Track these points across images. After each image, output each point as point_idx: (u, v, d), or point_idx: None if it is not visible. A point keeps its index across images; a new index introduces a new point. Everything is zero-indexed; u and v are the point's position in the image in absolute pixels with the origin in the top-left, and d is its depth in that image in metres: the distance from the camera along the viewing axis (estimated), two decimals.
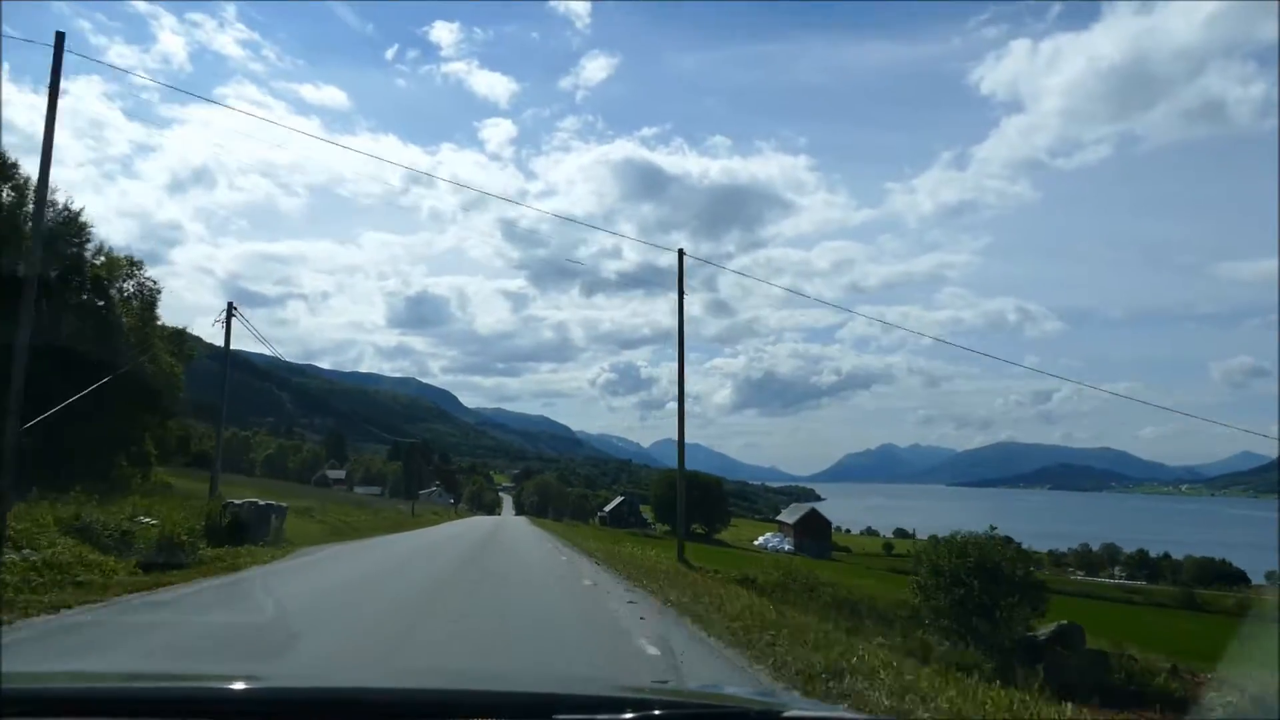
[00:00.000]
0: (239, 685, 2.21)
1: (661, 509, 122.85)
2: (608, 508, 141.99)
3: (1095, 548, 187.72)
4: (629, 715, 2.03)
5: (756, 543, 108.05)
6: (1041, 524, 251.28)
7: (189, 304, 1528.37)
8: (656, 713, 2.06)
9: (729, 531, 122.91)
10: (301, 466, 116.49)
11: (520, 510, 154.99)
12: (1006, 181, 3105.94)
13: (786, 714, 2.09)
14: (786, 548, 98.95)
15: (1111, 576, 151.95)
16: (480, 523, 63.38)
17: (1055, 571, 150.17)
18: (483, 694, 2.42)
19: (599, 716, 2.06)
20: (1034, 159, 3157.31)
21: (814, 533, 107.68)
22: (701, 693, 2.96)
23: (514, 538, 35.86)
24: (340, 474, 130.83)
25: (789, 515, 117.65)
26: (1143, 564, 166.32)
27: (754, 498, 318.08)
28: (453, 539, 31.24)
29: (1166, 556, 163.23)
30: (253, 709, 2.07)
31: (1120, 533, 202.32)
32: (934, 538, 30.49)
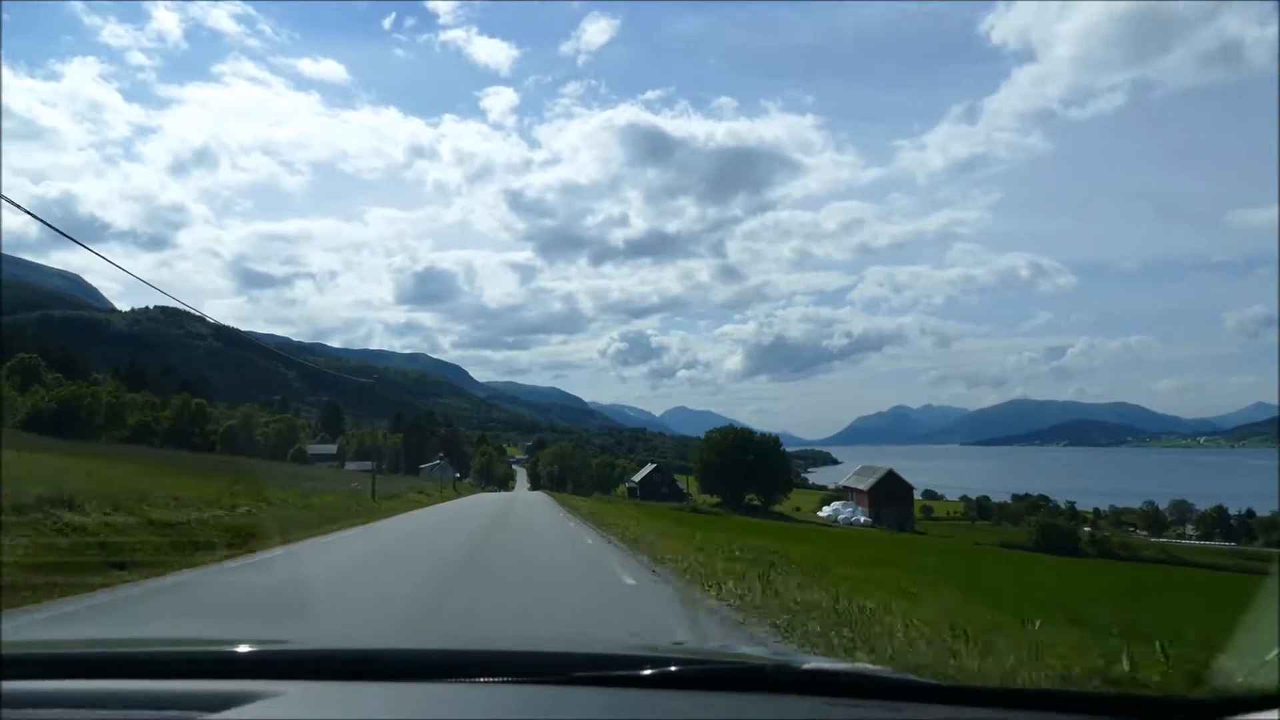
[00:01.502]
0: (254, 648, 2.20)
1: (708, 478, 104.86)
2: (637, 477, 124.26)
3: (1162, 505, 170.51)
4: (646, 672, 2.02)
5: (823, 514, 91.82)
6: (1072, 481, 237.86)
7: (197, 286, 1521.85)
8: (673, 669, 2.05)
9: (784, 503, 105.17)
10: (275, 440, 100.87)
11: (536, 484, 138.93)
12: (1018, 134, 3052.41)
13: (804, 668, 2.12)
14: (862, 520, 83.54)
15: (1182, 536, 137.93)
16: (480, 505, 44.07)
17: (1117, 532, 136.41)
18: (500, 653, 2.47)
19: (616, 673, 2.07)
20: (1046, 109, 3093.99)
21: (894, 500, 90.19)
22: (719, 651, 2.93)
23: (530, 550, 17.21)
24: (331, 449, 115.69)
25: (860, 480, 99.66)
26: (1219, 521, 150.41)
27: None
28: (353, 573, 12.94)
29: (1251, 514, 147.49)
30: (271, 670, 2.05)
31: (1159, 487, 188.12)
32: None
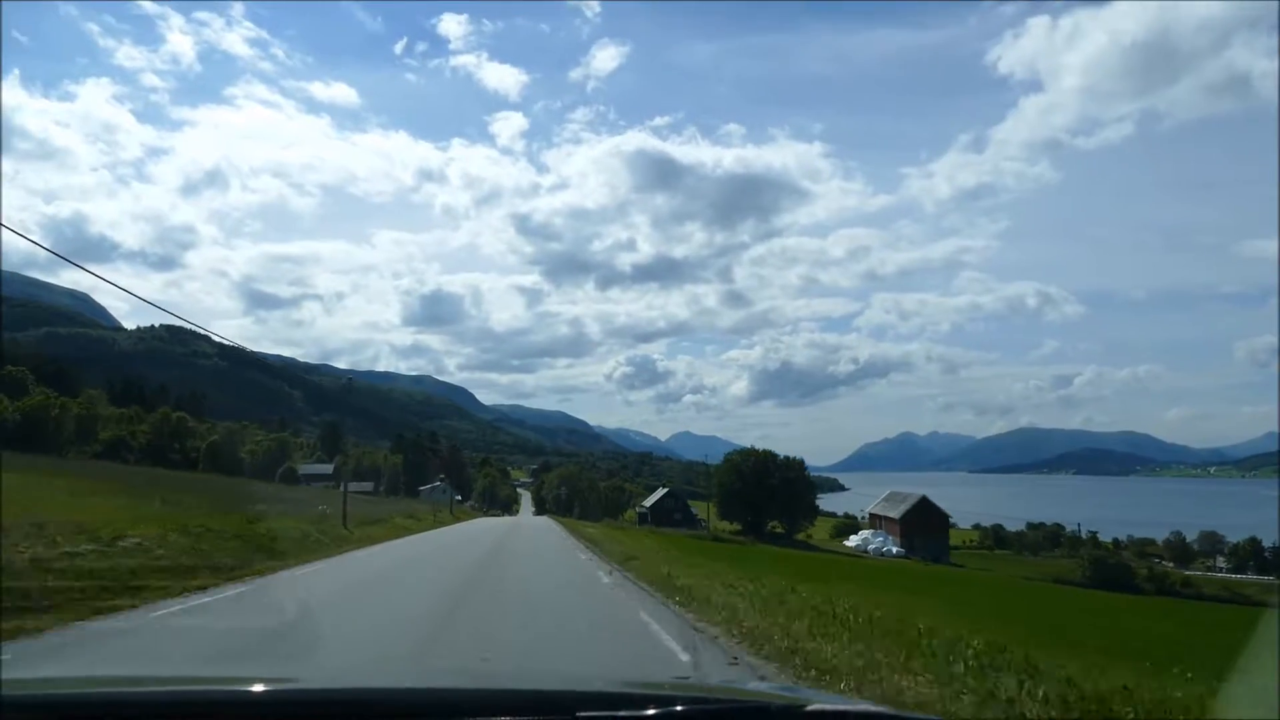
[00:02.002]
0: (258, 687, 2.16)
1: (728, 503, 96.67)
2: (648, 502, 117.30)
3: (1189, 536, 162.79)
4: (651, 712, 2.02)
5: (851, 543, 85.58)
6: (1084, 510, 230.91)
7: (205, 307, 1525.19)
8: (679, 708, 2.04)
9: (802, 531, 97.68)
10: (264, 458, 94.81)
11: (541, 508, 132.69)
12: (1026, 163, 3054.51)
13: (809, 708, 2.07)
14: (894, 550, 77.40)
15: (1212, 569, 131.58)
16: (476, 535, 37.46)
17: (1140, 564, 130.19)
18: (505, 692, 2.44)
19: (622, 714, 2.05)
20: (1054, 139, 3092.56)
21: (928, 529, 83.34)
22: (724, 688, 2.95)
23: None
24: (327, 469, 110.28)
25: (890, 507, 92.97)
26: (1253, 553, 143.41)
27: None
28: None
29: None
30: (272, 711, 2.03)
31: (1174, 516, 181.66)
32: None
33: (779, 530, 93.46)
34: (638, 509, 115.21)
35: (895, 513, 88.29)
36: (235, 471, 68.30)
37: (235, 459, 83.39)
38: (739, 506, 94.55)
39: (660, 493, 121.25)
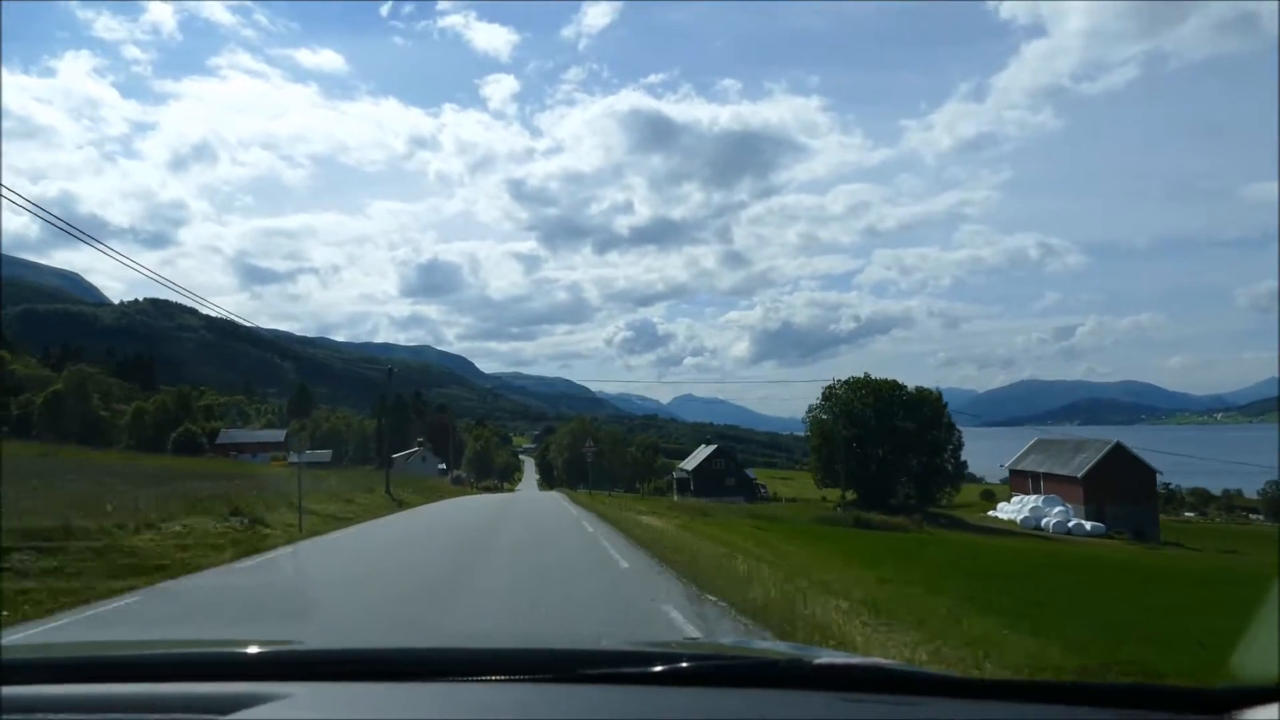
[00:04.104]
0: (263, 648, 2.18)
1: (836, 461, 68.03)
2: (690, 464, 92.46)
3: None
4: (657, 668, 2.01)
5: (1005, 514, 61.35)
6: None
7: (199, 283, 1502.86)
8: (684, 665, 2.03)
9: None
10: (157, 418, 70.49)
11: (548, 478, 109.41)
12: (1028, 111, 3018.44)
13: (816, 663, 2.05)
14: (1086, 526, 53.25)
15: None
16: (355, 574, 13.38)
17: (1230, 519, 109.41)
18: (509, 651, 2.49)
19: (626, 670, 2.06)
20: (1056, 85, 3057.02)
21: (1128, 494, 56.44)
22: (730, 646, 3.00)
23: None
24: (276, 436, 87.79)
25: (1054, 461, 64.19)
26: None
27: (791, 448, 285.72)
28: None
29: None
30: (279, 671, 2.03)
31: (1199, 465, 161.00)
32: None
33: (910, 499, 66.19)
34: (675, 474, 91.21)
35: (1070, 469, 60.47)
36: (91, 439, 45.46)
37: (89, 417, 59.47)
38: (853, 465, 66.23)
39: (706, 451, 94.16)
